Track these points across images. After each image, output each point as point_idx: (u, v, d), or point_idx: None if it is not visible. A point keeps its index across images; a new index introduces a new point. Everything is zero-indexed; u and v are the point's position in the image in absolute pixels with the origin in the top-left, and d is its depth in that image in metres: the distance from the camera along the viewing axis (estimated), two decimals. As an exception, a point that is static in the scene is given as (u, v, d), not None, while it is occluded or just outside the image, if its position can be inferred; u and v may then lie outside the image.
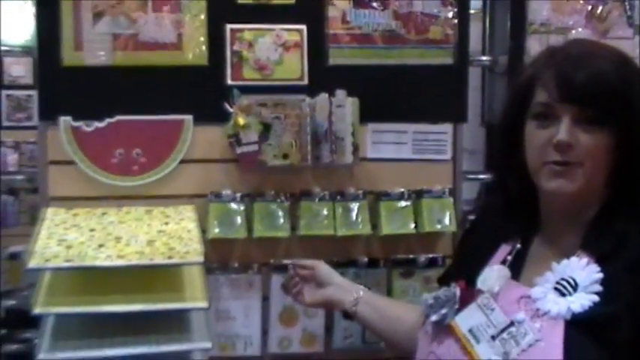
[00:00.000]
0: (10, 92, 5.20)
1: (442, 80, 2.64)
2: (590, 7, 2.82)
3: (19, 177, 3.13)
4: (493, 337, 1.52)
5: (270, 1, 2.50)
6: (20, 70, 5.18)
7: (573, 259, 1.52)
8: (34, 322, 2.10)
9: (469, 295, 1.61)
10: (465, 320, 1.58)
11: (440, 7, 2.61)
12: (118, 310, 1.98)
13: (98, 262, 1.97)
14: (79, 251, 2.01)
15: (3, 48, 2.64)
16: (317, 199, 2.51)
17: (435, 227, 2.58)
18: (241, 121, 2.39)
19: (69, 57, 2.40)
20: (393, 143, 2.62)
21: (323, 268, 2.07)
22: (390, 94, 2.60)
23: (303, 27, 2.53)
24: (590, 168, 1.51)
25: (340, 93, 2.48)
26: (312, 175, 2.54)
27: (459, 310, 1.60)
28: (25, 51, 2.65)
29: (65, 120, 2.39)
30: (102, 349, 1.98)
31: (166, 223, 2.24)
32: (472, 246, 1.81)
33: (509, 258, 1.65)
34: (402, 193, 2.58)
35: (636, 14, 2.84)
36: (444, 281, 1.78)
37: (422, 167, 2.63)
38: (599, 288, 1.47)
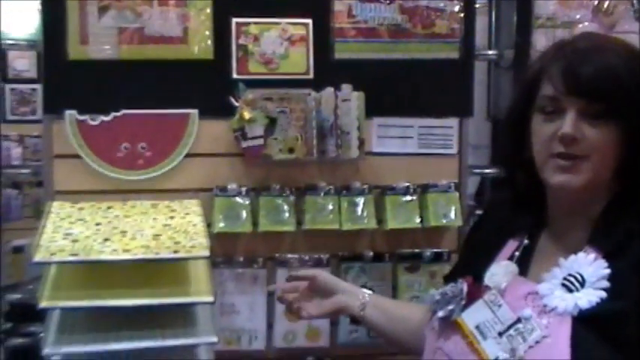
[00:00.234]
0: (14, 86, 5.20)
1: (448, 74, 2.64)
2: (596, 2, 2.81)
3: (24, 171, 3.11)
4: (500, 334, 1.51)
5: (276, -6, 2.51)
6: (24, 63, 5.18)
7: (581, 254, 1.51)
8: (39, 315, 2.10)
9: (476, 291, 1.60)
10: (472, 316, 1.57)
11: (446, 1, 2.61)
12: (123, 304, 1.97)
13: (104, 256, 1.97)
14: (85, 245, 2.01)
15: (7, 41, 2.62)
16: (322, 194, 2.51)
17: (440, 222, 2.58)
18: (247, 115, 2.39)
19: (74, 51, 2.40)
20: (398, 137, 2.62)
21: (325, 277, 2.02)
22: (396, 89, 2.59)
23: (309, 21, 2.53)
24: (596, 162, 1.49)
25: (346, 87, 2.48)
26: (317, 170, 2.54)
27: (465, 306, 1.59)
28: (30, 44, 2.64)
29: (70, 114, 2.39)
30: (107, 343, 1.98)
31: (172, 217, 2.24)
32: (479, 242, 1.80)
33: (516, 254, 1.64)
34: (408, 187, 2.57)
35: (643, 8, 2.83)
36: (451, 278, 1.78)
37: (427, 161, 2.63)
38: (606, 284, 1.46)
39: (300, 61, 2.51)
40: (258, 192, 2.49)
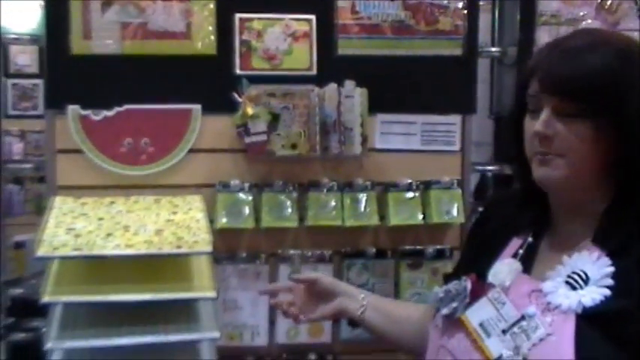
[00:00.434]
0: (15, 81, 5.20)
1: (451, 71, 2.64)
2: (599, -1, 2.82)
3: (26, 165, 3.10)
4: (504, 332, 1.51)
5: (280, -10, 2.50)
6: (26, 59, 5.18)
7: (584, 252, 1.50)
8: (40, 310, 2.10)
9: (480, 288, 1.60)
10: (476, 314, 1.57)
11: (449, -3, 2.61)
12: (126, 300, 1.97)
13: (106, 251, 1.97)
14: (88, 240, 2.01)
15: (9, 36, 2.62)
16: (325, 190, 2.51)
17: (443, 218, 2.58)
18: (250, 110, 2.39)
19: (77, 45, 2.40)
20: (401, 134, 2.61)
21: (325, 281, 1.99)
22: (399, 85, 2.59)
23: (313, 17, 2.53)
24: (572, 159, 1.49)
25: (349, 83, 2.48)
26: (320, 166, 2.54)
27: (469, 304, 1.59)
28: (32, 39, 2.63)
29: (73, 109, 2.39)
30: (110, 338, 1.98)
31: (174, 213, 2.24)
32: (482, 239, 1.80)
33: (520, 251, 1.64)
34: (410, 184, 2.58)
35: (647, 6, 2.83)
36: (453, 275, 1.78)
37: (430, 158, 2.63)
38: (610, 282, 1.45)
39: (303, 57, 2.51)
40: (261, 188, 2.49)
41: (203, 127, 2.46)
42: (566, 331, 1.44)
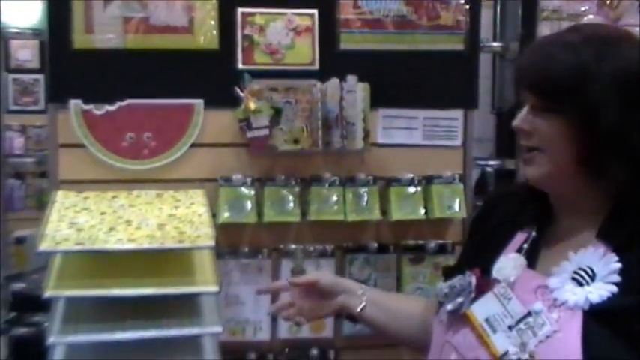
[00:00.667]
0: (16, 76, 5.20)
1: (453, 66, 2.64)
2: (601, -6, 2.82)
3: (28, 160, 3.11)
4: (510, 327, 1.50)
5: (282, -15, 2.50)
6: (27, 54, 5.18)
7: (590, 248, 1.50)
8: (42, 305, 2.10)
9: (485, 283, 1.59)
10: (481, 309, 1.56)
11: (451, -8, 2.61)
12: (128, 294, 1.97)
13: (109, 246, 1.97)
14: (90, 234, 2.01)
15: (11, 30, 2.62)
16: (327, 185, 2.51)
17: (444, 213, 2.58)
18: (252, 105, 2.39)
19: (80, 40, 2.39)
20: (403, 129, 2.61)
21: (325, 281, 1.97)
22: (401, 80, 2.59)
23: (315, 12, 2.53)
24: (552, 154, 1.51)
25: (351, 78, 2.48)
26: (322, 161, 2.54)
27: (474, 299, 1.58)
28: (34, 34, 2.63)
29: (76, 103, 2.39)
30: (112, 333, 1.98)
31: (177, 207, 2.24)
32: (484, 234, 1.79)
33: (525, 246, 1.64)
34: (412, 178, 2.58)
35: (648, 2, 2.83)
36: (455, 269, 1.78)
37: (432, 153, 2.63)
38: (617, 278, 1.44)
39: (305, 52, 2.51)
40: (263, 183, 2.48)
41: (205, 122, 2.46)
42: (573, 328, 1.43)
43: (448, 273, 1.83)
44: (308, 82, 2.47)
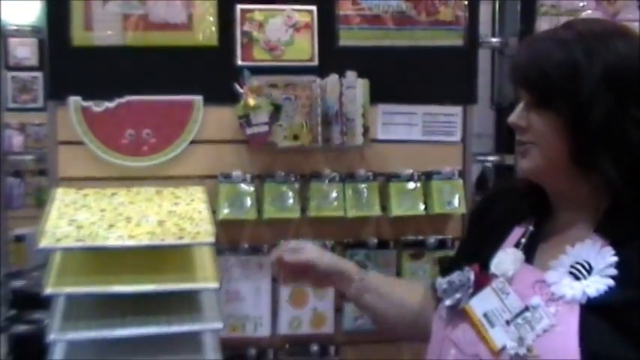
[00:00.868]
0: (15, 74, 5.19)
1: (452, 62, 2.64)
2: (600, -11, 2.81)
3: (28, 157, 3.10)
4: (508, 322, 1.51)
5: (281, -19, 2.50)
6: (25, 51, 5.17)
7: (587, 242, 1.50)
8: (42, 302, 2.10)
9: (483, 279, 1.60)
10: (480, 304, 1.57)
11: (450, -12, 2.61)
12: (128, 291, 1.98)
13: (109, 243, 1.97)
14: (90, 231, 2.01)
15: (10, 28, 2.61)
16: (327, 181, 2.51)
17: (444, 209, 2.57)
18: (251, 102, 2.39)
19: (79, 37, 2.39)
20: (403, 125, 2.61)
21: (321, 265, 1.92)
22: (400, 76, 2.59)
23: (314, 8, 2.53)
24: (544, 149, 1.52)
25: (350, 74, 2.47)
26: (322, 157, 2.54)
27: (473, 294, 1.59)
28: (33, 31, 2.63)
29: (75, 100, 2.39)
30: (112, 330, 1.98)
31: (177, 204, 2.24)
32: (483, 229, 1.79)
33: (522, 241, 1.64)
34: (412, 174, 2.58)
35: (646, -4, 2.83)
36: (453, 263, 1.78)
37: (432, 149, 2.63)
38: (614, 272, 1.45)
39: (304, 48, 2.51)
40: (263, 179, 2.48)
41: (205, 119, 2.46)
42: (571, 322, 1.44)
43: (444, 265, 1.86)
44: (307, 78, 2.47)
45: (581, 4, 2.82)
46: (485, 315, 1.55)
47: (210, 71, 2.46)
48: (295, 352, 2.57)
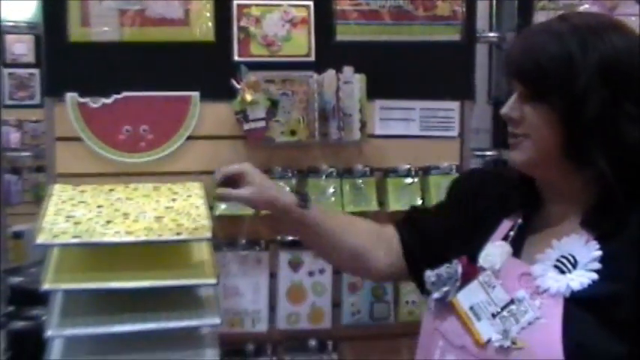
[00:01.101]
0: (12, 70, 5.18)
1: (449, 57, 2.64)
2: (597, -17, 2.81)
3: (25, 154, 3.10)
4: (494, 315, 1.54)
5: (278, -24, 2.50)
6: (22, 48, 5.16)
7: (573, 236, 1.52)
8: (40, 299, 2.10)
9: (471, 272, 1.61)
10: (467, 297, 1.59)
11: (448, -17, 2.60)
12: (126, 287, 1.97)
13: (107, 239, 1.97)
14: (88, 227, 2.01)
15: (6, 24, 2.61)
16: (324, 176, 2.51)
17: (442, 204, 2.57)
18: (249, 97, 2.38)
19: (76, 33, 2.39)
20: (400, 120, 2.61)
21: (253, 175, 1.92)
22: (398, 71, 2.59)
23: (311, 3, 2.52)
24: (537, 141, 1.52)
25: (348, 69, 2.47)
26: (319, 152, 2.54)
27: (460, 287, 1.61)
28: (30, 27, 2.62)
29: (72, 96, 2.38)
30: (110, 326, 1.98)
31: (174, 200, 2.24)
32: (474, 212, 1.78)
33: (511, 234, 1.66)
34: (410, 169, 2.58)
35: (644, -10, 2.83)
36: (427, 220, 1.86)
37: (429, 144, 2.63)
38: (598, 266, 1.47)
39: (301, 43, 2.51)
40: (260, 174, 2.48)
41: (202, 114, 2.46)
42: (555, 315, 1.46)
43: (412, 214, 1.97)
44: (304, 73, 2.47)
45: (579, -1, 2.82)
46: (471, 308, 1.57)
47: (207, 67, 2.46)
48: (293, 348, 2.56)
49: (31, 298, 2.28)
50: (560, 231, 1.56)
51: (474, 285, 1.59)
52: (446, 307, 1.62)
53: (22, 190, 4.61)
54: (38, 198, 2.62)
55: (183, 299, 2.09)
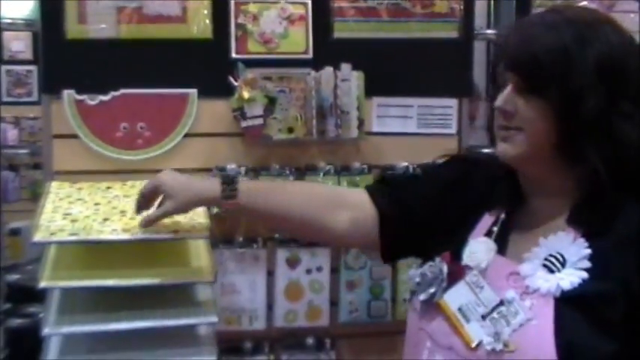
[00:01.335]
0: (9, 67, 5.17)
1: (447, 54, 2.63)
2: (595, -19, 2.81)
3: (23, 151, 3.10)
4: (483, 317, 1.50)
5: (275, -27, 2.49)
6: (20, 45, 5.14)
7: (560, 233, 1.50)
8: (37, 296, 2.09)
9: (457, 271, 1.58)
10: (454, 298, 1.56)
11: (445, -20, 2.60)
12: (123, 284, 1.97)
13: (104, 236, 1.96)
14: (85, 225, 2.00)
15: (4, 21, 2.61)
16: (322, 174, 2.51)
17: (439, 201, 2.57)
18: (246, 94, 2.38)
19: (73, 30, 2.39)
20: (398, 117, 2.61)
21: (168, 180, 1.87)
22: (396, 68, 2.59)
23: (308, 0, 2.52)
24: (530, 135, 1.49)
25: (345, 67, 2.47)
26: (317, 149, 2.54)
27: (447, 288, 1.58)
28: (27, 24, 2.62)
29: (69, 93, 2.38)
30: (107, 323, 1.97)
31: (171, 197, 2.23)
32: (458, 208, 1.72)
33: (494, 229, 1.62)
34: (407, 167, 2.57)
35: (642, -12, 2.82)
36: (402, 189, 1.85)
37: (427, 141, 2.62)
38: (587, 264, 1.45)
39: (299, 41, 2.50)
40: (258, 172, 2.48)
41: (199, 112, 2.46)
42: (546, 316, 1.44)
43: (387, 177, 1.95)
44: (302, 70, 2.47)
45: (577, -5, 2.81)
46: (460, 309, 1.54)
47: (205, 64, 2.46)
48: (291, 345, 2.56)
49: (29, 295, 2.28)
50: (546, 228, 1.54)
51: (460, 285, 1.56)
52: (432, 307, 1.59)
53: (19, 187, 4.59)
54: (35, 195, 2.62)
55: (180, 297, 2.08)
